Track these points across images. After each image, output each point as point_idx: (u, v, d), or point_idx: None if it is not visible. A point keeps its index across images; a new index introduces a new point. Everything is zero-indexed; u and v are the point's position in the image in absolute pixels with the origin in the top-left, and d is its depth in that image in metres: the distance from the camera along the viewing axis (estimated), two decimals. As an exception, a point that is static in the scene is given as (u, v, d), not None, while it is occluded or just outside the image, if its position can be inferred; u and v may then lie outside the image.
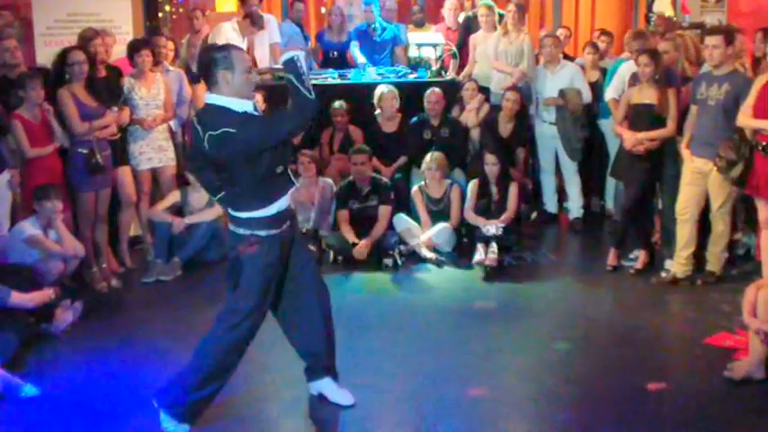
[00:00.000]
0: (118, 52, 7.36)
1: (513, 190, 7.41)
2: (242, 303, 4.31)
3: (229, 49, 4.14)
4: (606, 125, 7.87)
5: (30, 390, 4.78)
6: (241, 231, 4.22)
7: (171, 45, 7.92)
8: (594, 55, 8.37)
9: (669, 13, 9.10)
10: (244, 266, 4.26)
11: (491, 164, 7.41)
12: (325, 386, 4.66)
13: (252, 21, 8.57)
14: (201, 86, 7.46)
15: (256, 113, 4.16)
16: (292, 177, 4.28)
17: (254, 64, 9.04)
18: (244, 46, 8.51)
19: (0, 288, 5.31)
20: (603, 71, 8.19)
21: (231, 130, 3.97)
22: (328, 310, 4.60)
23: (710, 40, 6.13)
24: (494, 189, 7.42)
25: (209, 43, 8.06)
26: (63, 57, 6.46)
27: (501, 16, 8.75)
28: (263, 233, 4.20)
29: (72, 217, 6.58)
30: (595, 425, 4.42)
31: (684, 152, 6.37)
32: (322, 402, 4.65)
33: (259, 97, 8.01)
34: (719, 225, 6.34)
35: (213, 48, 4.28)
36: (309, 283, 4.51)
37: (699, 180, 6.28)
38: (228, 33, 8.38)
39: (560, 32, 9.26)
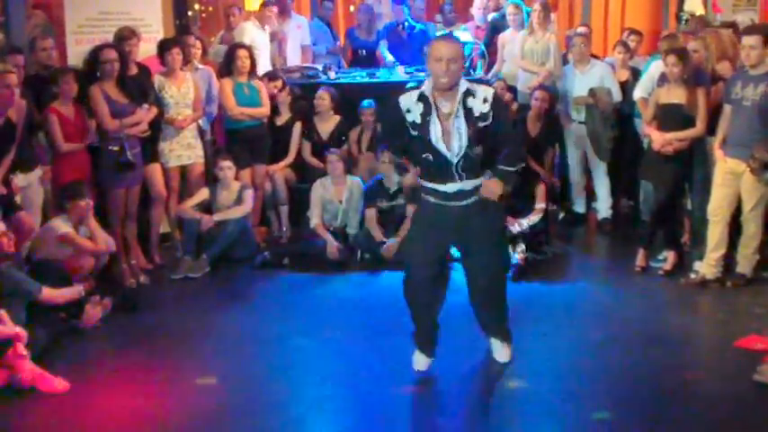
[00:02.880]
0: (147, 51, 7.41)
1: (540, 190, 7.36)
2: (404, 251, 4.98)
3: (436, 40, 4.61)
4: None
5: (59, 384, 4.82)
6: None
7: (198, 44, 7.98)
8: (625, 54, 8.30)
9: (700, 11, 9.02)
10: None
11: None
12: (492, 344, 5.14)
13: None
14: (226, 82, 7.57)
15: (418, 102, 4.50)
16: (457, 177, 4.56)
17: (284, 61, 9.16)
18: (266, 38, 8.63)
19: (31, 283, 5.37)
20: (633, 70, 8.13)
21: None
22: (487, 293, 4.93)
23: (748, 41, 6.06)
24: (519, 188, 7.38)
25: (234, 42, 8.16)
26: (95, 55, 6.52)
27: (529, 14, 8.72)
28: (424, 197, 4.72)
29: (96, 213, 6.62)
30: (622, 426, 4.39)
31: (717, 153, 6.31)
32: (348, 401, 4.65)
33: (285, 90, 8.07)
34: (751, 227, 6.28)
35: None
36: (476, 266, 4.83)
37: (731, 181, 6.22)
38: (250, 29, 8.50)
39: (582, 30, 9.21)
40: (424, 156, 4.53)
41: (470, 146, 4.46)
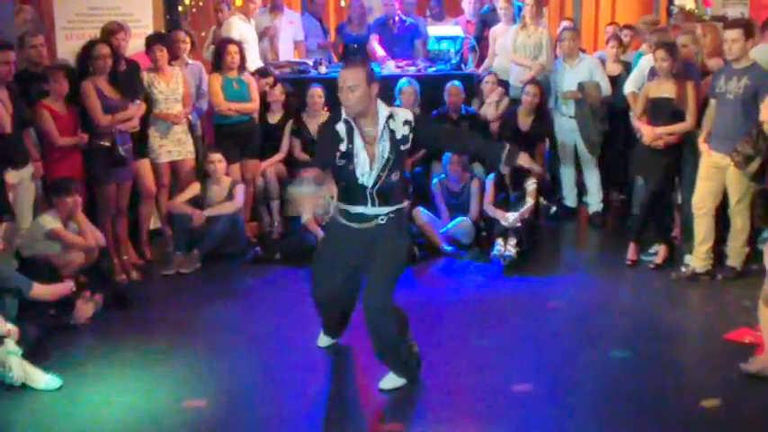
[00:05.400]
0: (137, 46, 7.40)
1: (531, 186, 7.35)
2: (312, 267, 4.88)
3: (341, 69, 4.48)
4: None
5: (51, 380, 4.82)
6: None
7: (188, 39, 7.95)
8: (618, 48, 8.31)
9: (690, 5, 9.04)
10: None
11: None
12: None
13: None
14: (214, 78, 7.56)
15: (345, 128, 4.41)
16: (369, 201, 4.51)
17: (276, 56, 9.15)
18: (253, 32, 8.64)
19: (22, 280, 5.36)
20: (626, 65, 8.13)
21: None
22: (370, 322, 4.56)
23: (730, 34, 6.09)
24: (511, 182, 7.39)
25: (222, 37, 8.17)
26: (88, 50, 6.51)
27: (520, 9, 8.72)
28: (335, 217, 4.70)
29: (87, 209, 6.60)
30: (612, 418, 4.41)
31: (702, 146, 6.34)
32: (343, 399, 4.66)
33: (279, 88, 8.06)
34: (738, 220, 6.30)
35: None
36: (368, 285, 4.57)
37: (716, 175, 6.24)
38: (236, 23, 8.52)
39: (565, 23, 9.24)
40: (344, 178, 4.49)
41: (391, 169, 4.43)
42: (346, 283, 4.72)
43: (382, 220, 4.53)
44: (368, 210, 4.51)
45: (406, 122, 4.43)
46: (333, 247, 4.71)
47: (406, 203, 4.73)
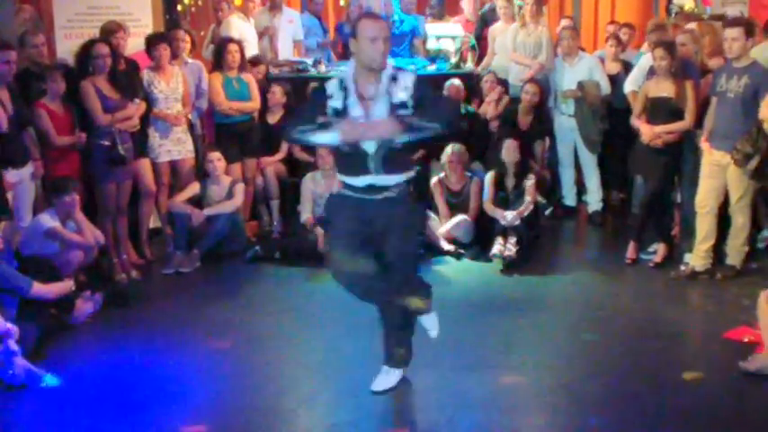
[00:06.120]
0: (136, 45, 7.40)
1: (530, 183, 7.35)
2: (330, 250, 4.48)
3: (366, 18, 4.19)
4: None
5: (50, 380, 4.83)
6: None
7: (188, 38, 7.96)
8: (617, 47, 8.31)
9: (690, 5, 9.03)
10: None
11: (511, 149, 7.36)
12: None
13: None
14: (215, 77, 7.56)
15: (340, 88, 4.18)
16: (372, 170, 4.18)
17: (275, 55, 9.17)
18: (252, 31, 8.67)
19: (22, 279, 5.35)
20: (625, 64, 8.14)
21: None
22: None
23: (730, 33, 6.10)
24: (511, 180, 7.37)
25: (222, 36, 8.19)
26: (87, 49, 6.51)
27: (520, 8, 8.72)
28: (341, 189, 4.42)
29: (86, 208, 6.61)
30: (612, 417, 4.40)
31: (704, 145, 6.34)
32: (340, 395, 4.66)
33: (278, 89, 8.07)
34: (739, 218, 6.30)
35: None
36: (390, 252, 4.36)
37: (718, 173, 6.24)
38: (235, 22, 8.55)
39: (565, 23, 9.24)
40: (340, 145, 4.17)
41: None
42: (366, 255, 4.29)
43: (393, 192, 4.24)
44: (374, 179, 4.20)
45: (406, 88, 4.13)
46: (344, 219, 4.33)
47: (412, 173, 4.36)
